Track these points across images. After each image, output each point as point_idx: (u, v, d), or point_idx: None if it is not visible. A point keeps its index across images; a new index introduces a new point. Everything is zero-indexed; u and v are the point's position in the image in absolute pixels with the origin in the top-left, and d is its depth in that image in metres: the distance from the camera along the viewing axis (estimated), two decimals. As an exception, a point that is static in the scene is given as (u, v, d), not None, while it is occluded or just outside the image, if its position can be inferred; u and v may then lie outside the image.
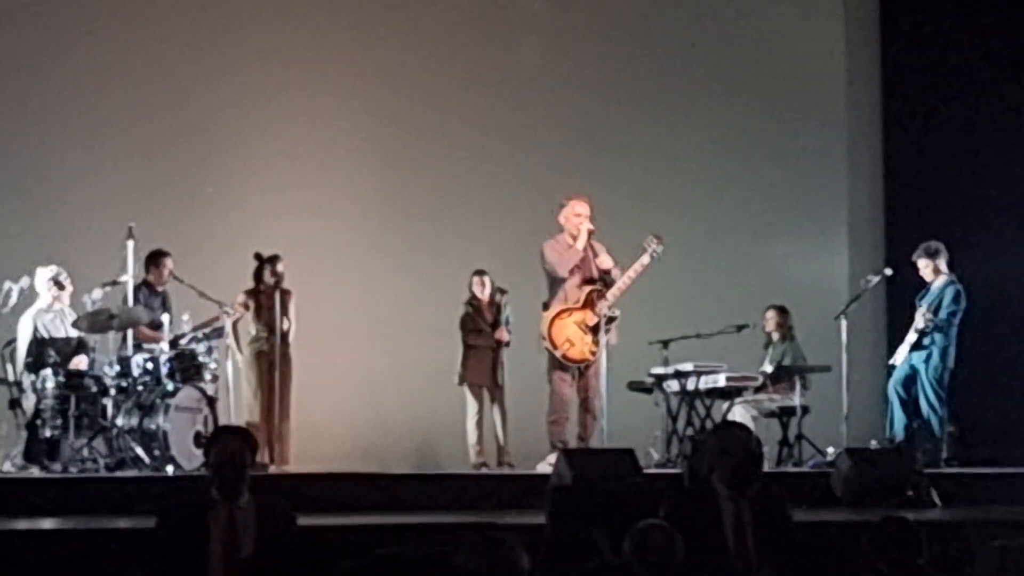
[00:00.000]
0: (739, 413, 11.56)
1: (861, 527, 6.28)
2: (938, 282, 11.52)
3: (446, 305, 11.88)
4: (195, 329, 10.59)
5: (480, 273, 11.61)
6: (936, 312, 11.37)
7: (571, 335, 10.55)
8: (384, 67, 13.10)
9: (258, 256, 10.99)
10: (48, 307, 10.60)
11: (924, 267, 11.59)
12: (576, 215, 10.68)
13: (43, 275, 10.64)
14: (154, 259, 10.95)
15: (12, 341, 10.60)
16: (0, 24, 12.15)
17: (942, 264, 11.55)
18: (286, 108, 12.79)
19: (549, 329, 10.57)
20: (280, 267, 10.94)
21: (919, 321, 11.39)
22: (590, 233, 10.68)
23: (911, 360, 11.47)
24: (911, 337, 11.47)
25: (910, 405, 11.45)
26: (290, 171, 12.76)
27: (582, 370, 10.61)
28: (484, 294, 11.54)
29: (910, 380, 11.47)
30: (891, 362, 11.68)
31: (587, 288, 10.64)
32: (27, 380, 10.33)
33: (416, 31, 13.22)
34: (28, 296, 10.61)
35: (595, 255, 10.70)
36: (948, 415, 11.44)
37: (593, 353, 10.54)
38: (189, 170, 12.51)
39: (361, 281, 12.82)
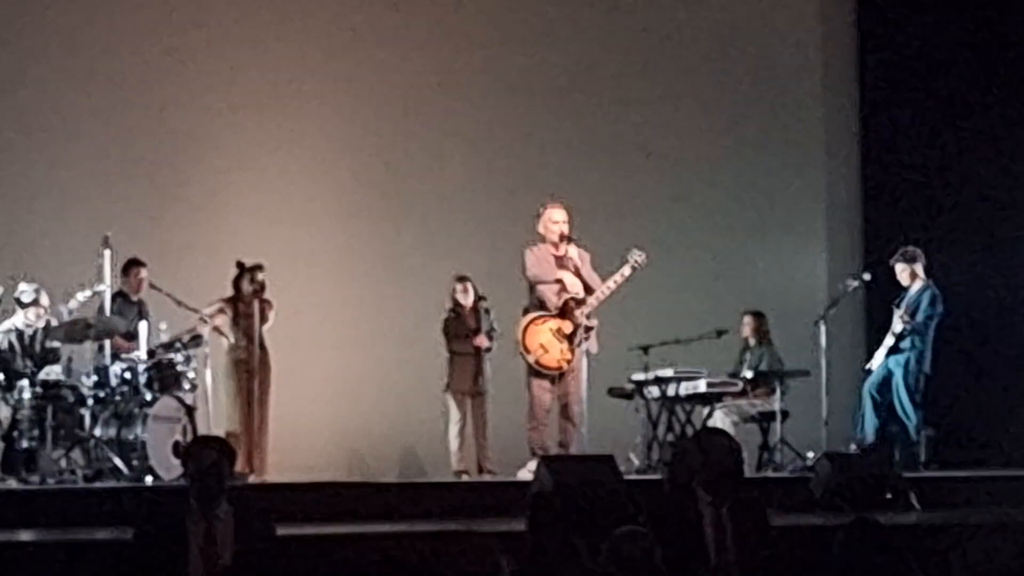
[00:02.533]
0: (719, 418, 11.57)
1: (838, 531, 6.28)
2: (915, 287, 11.57)
3: (427, 311, 11.87)
4: (173, 339, 10.54)
5: (463, 279, 11.59)
6: (913, 316, 11.41)
7: (545, 342, 10.52)
8: (363, 73, 13.08)
9: (240, 264, 10.96)
10: (25, 326, 10.50)
11: (901, 272, 11.64)
12: (553, 222, 10.65)
13: (20, 294, 10.51)
14: (127, 269, 10.92)
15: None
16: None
17: (919, 269, 11.60)
18: (264, 115, 12.76)
19: (523, 334, 10.55)
20: (261, 276, 10.89)
21: (896, 325, 11.44)
22: (568, 238, 10.64)
23: (887, 364, 11.51)
24: (888, 341, 11.52)
25: (884, 408, 11.50)
26: (268, 178, 12.74)
27: (560, 377, 10.58)
28: (467, 300, 11.52)
29: (885, 383, 11.53)
30: (868, 366, 11.72)
31: (565, 295, 10.62)
32: (-1, 394, 10.26)
33: (395, 38, 13.20)
34: (3, 304, 10.54)
35: (580, 263, 10.66)
36: (924, 418, 11.48)
37: (568, 361, 10.50)
38: (166, 179, 12.47)
39: (341, 288, 12.79)
